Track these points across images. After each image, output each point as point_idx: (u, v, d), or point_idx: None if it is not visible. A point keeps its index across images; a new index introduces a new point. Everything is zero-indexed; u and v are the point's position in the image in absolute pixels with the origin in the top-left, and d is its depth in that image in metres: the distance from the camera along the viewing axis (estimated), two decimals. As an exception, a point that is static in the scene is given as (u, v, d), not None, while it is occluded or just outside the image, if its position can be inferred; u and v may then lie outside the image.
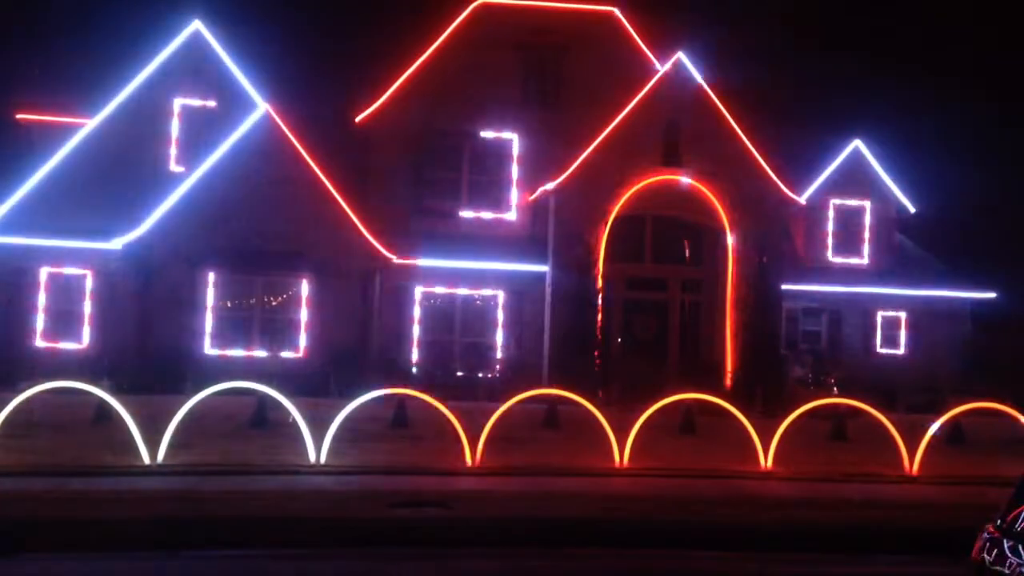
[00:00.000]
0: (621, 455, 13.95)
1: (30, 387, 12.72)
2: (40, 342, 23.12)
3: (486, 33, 26.57)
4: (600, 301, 24.03)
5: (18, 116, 25.70)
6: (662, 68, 25.29)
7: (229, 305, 23.87)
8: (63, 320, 23.46)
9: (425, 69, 26.50)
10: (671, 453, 15.03)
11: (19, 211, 23.83)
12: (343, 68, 28.76)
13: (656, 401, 14.53)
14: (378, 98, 26.40)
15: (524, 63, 26.59)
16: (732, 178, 24.80)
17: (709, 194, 24.95)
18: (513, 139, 26.56)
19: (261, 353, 23.25)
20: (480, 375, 23.91)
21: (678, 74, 24.88)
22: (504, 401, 15.04)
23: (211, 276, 23.45)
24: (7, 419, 12.54)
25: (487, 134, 26.49)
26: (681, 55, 24.89)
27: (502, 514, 11.04)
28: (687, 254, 26.05)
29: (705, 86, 24.91)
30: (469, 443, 13.80)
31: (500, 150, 26.62)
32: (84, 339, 23.38)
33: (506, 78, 26.44)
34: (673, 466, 14.11)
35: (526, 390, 15.26)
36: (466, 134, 26.38)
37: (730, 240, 25.07)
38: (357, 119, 26.38)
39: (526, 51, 26.56)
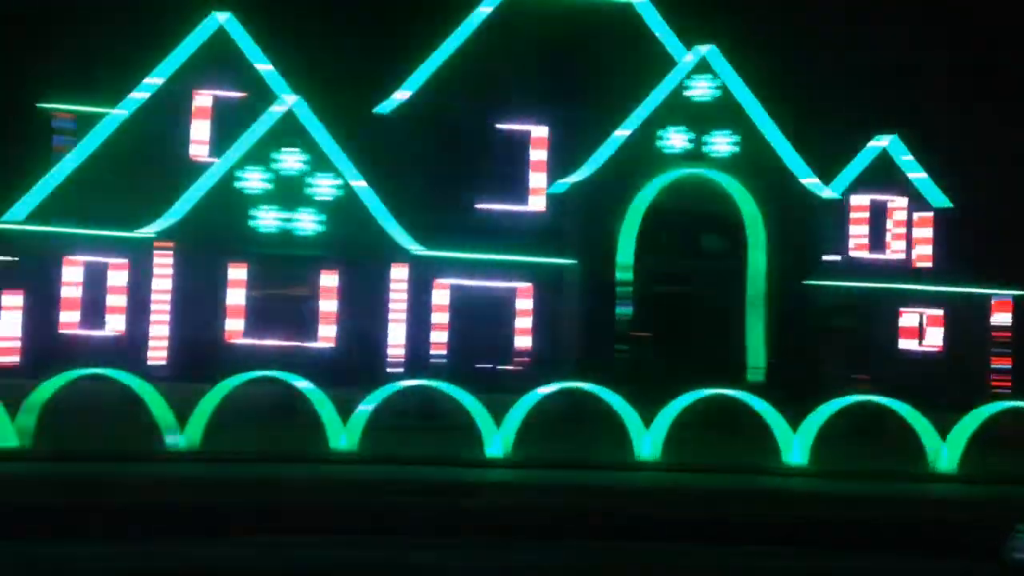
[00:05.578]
0: (646, 449, 13.92)
1: (61, 374, 12.84)
2: (71, 330, 23.19)
3: (510, 24, 26.46)
4: (624, 294, 23.93)
5: (41, 105, 25.73)
6: (687, 60, 25.11)
7: (257, 294, 23.94)
8: (94, 308, 23.56)
9: (449, 59, 26.42)
10: (698, 447, 14.96)
11: (49, 200, 23.96)
12: (367, 58, 28.68)
13: (681, 395, 14.48)
14: (402, 88, 26.35)
15: (548, 55, 26.45)
16: (758, 171, 24.60)
17: (734, 187, 24.78)
18: (537, 131, 26.43)
19: (289, 342, 23.29)
20: (503, 367, 23.87)
21: (703, 66, 24.71)
22: (528, 393, 15.05)
23: (240, 265, 23.53)
24: (45, 405, 12.69)
25: (511, 125, 26.37)
26: (706, 46, 24.71)
27: (528, 505, 11.07)
28: (712, 248, 25.89)
29: (731, 78, 24.71)
30: (494, 435, 13.83)
31: (524, 142, 26.52)
32: (115, 327, 23.44)
33: (530, 69, 26.31)
34: (701, 461, 14.06)
35: (549, 382, 15.24)
36: (490, 125, 26.26)
37: (756, 234, 24.89)
38: (381, 109, 26.34)
39: (550, 43, 26.42)
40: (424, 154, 25.83)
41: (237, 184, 23.57)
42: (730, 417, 17.13)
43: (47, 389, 13.03)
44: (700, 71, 24.74)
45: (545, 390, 15.13)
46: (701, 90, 24.71)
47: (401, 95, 26.25)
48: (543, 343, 24.54)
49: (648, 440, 14.63)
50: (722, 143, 24.66)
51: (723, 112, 24.57)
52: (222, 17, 25.26)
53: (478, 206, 26.00)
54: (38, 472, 11.25)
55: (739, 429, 16.47)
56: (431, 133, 25.86)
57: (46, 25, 32.33)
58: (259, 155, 23.68)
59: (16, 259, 23.22)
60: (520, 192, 26.42)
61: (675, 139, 24.70)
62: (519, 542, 10.12)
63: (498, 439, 14.55)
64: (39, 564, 7.93)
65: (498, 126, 26.27)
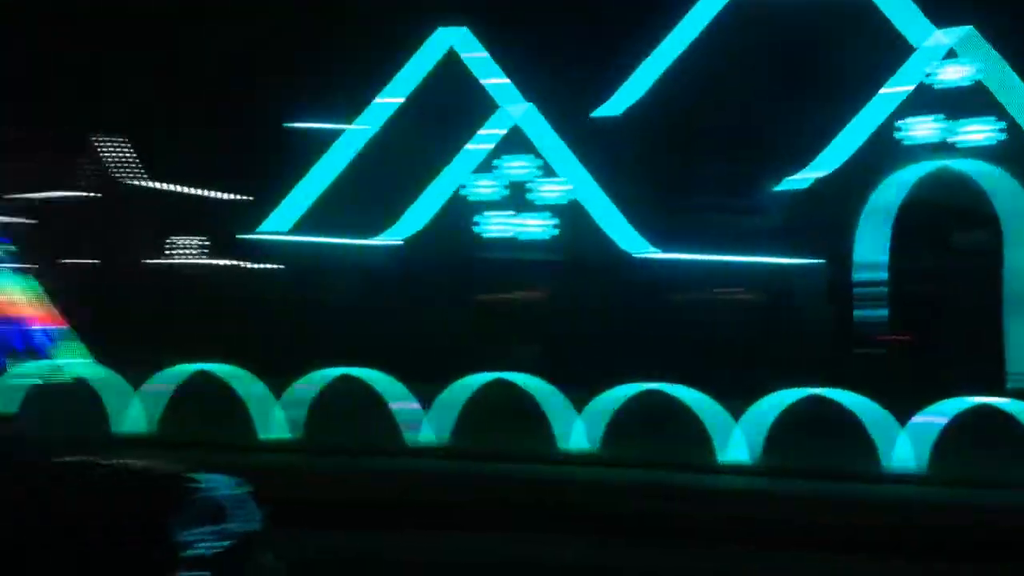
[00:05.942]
0: (903, 460, 13.02)
1: (324, 370, 13.70)
2: (339, 330, 24.61)
3: (734, 22, 25.76)
4: (866, 295, 22.65)
5: (288, 125, 27.63)
6: (933, 43, 23.41)
7: (491, 298, 24.68)
8: (343, 310, 25.06)
9: (672, 60, 26.07)
10: (965, 460, 13.72)
11: (298, 212, 25.82)
12: (587, 62, 28.81)
13: (930, 401, 13.48)
14: (625, 91, 26.26)
15: (771, 48, 25.50)
16: (1017, 161, 22.53)
17: (992, 179, 22.83)
18: (766, 128, 25.52)
19: (518, 342, 23.81)
20: (736, 370, 23.16)
21: (952, 49, 22.95)
22: (763, 397, 14.53)
23: (473, 269, 24.35)
24: (312, 402, 13.64)
25: (737, 123, 25.61)
26: (960, 29, 22.94)
27: (775, 516, 10.67)
28: (964, 244, 24.00)
29: (990, 61, 22.77)
30: (733, 439, 13.46)
31: (752, 140, 25.68)
32: (357, 326, 24.72)
33: (757, 65, 25.46)
34: (969, 475, 12.92)
35: (785, 387, 14.63)
36: (715, 124, 25.65)
37: (1019, 229, 22.81)
38: (605, 112, 26.37)
39: (772, 36, 25.48)
40: (650, 156, 25.62)
41: (468, 191, 24.42)
42: (985, 425, 15.72)
43: (312, 384, 13.95)
44: (949, 55, 22.98)
45: (788, 396, 14.56)
46: (951, 76, 22.91)
47: (624, 98, 26.18)
48: (779, 346, 23.62)
49: (906, 450, 13.70)
50: (978, 132, 22.73)
51: (977, 98, 22.67)
52: (451, 33, 26.26)
53: (707, 207, 25.44)
54: (309, 465, 12.08)
55: (995, 438, 15.05)
56: (656, 134, 25.62)
57: (291, 50, 34.77)
58: (487, 162, 24.44)
59: (276, 266, 25.27)
60: (750, 191, 25.59)
61: (921, 129, 23.10)
62: (752, 552, 9.82)
63: (739, 445, 14.12)
64: (330, 553, 8.45)
65: (725, 125, 25.62)
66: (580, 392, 15.47)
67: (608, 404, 14.71)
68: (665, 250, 24.09)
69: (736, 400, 15.23)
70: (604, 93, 26.58)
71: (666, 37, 26.39)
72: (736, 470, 13.74)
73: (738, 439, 14.17)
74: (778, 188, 24.82)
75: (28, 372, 15.28)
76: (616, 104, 26.32)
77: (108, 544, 5.34)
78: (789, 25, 25.34)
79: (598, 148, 25.95)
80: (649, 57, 26.40)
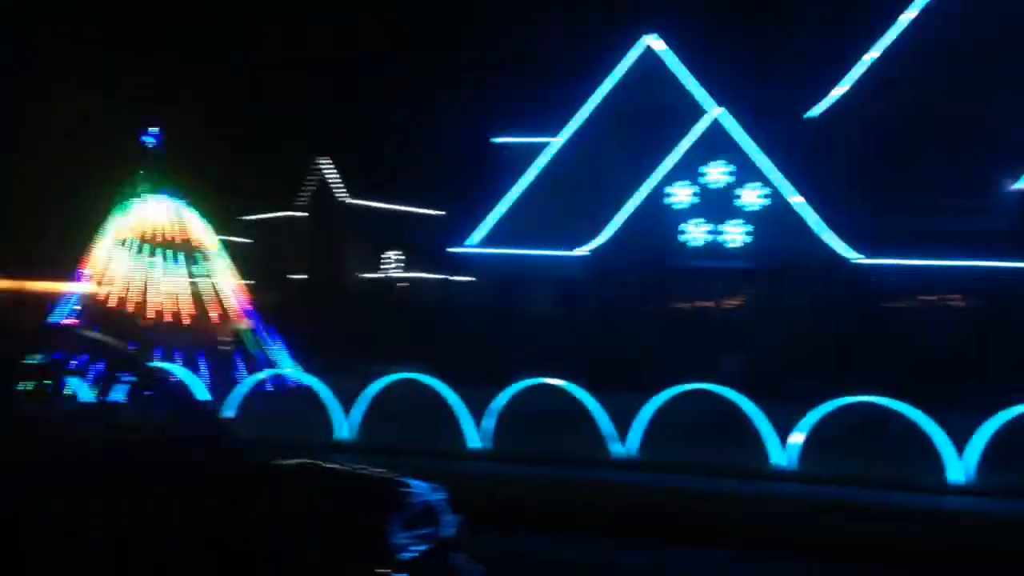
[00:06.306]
0: None
1: (517, 382, 13.97)
2: (513, 342, 25.22)
3: (951, 9, 24.09)
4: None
5: (495, 140, 28.51)
6: None
7: (685, 306, 24.34)
8: (538, 321, 25.55)
9: (882, 56, 24.75)
10: None
11: (500, 224, 26.55)
12: (791, 62, 27.89)
13: None
14: (833, 90, 25.21)
15: (988, 41, 23.64)
16: None
17: None
18: (988, 121, 23.69)
19: (715, 354, 23.32)
20: (956, 385, 21.56)
21: None
22: (991, 417, 13.48)
23: (666, 278, 24.12)
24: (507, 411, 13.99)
25: (955, 117, 23.91)
26: None
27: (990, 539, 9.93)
28: None
29: None
30: (953, 459, 12.54)
31: (973, 134, 23.91)
32: (556, 337, 25.11)
33: (971, 58, 23.67)
34: None
35: (1010, 405, 13.49)
36: (929, 121, 24.06)
37: None
38: (810, 113, 25.40)
39: (998, 23, 23.61)
40: (860, 156, 24.42)
41: (667, 199, 24.25)
42: None
43: (504, 396, 14.30)
44: None
45: (1010, 412, 13.39)
46: None
47: (833, 96, 25.13)
48: (1008, 357, 21.81)
49: None
50: None
51: None
52: (651, 41, 26.22)
53: (924, 208, 23.91)
54: (502, 472, 12.37)
55: None
56: (867, 134, 24.41)
57: (498, 69, 35.90)
58: (688, 169, 24.14)
59: (473, 279, 26.20)
60: (973, 190, 23.85)
61: None
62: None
63: (958, 463, 13.12)
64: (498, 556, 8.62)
65: (942, 120, 24.00)
66: (783, 405, 14.89)
67: (813, 418, 14.07)
68: (876, 256, 22.87)
69: (959, 415, 14.21)
70: (809, 94, 25.62)
71: (876, 30, 25.14)
72: (959, 490, 12.79)
73: (958, 456, 13.18)
74: (1016, 186, 22.96)
75: (247, 380, 16.49)
76: (822, 104, 25.33)
77: (331, 545, 5.51)
78: (1013, 9, 23.52)
79: (802, 150, 25.04)
80: (859, 53, 25.23)
